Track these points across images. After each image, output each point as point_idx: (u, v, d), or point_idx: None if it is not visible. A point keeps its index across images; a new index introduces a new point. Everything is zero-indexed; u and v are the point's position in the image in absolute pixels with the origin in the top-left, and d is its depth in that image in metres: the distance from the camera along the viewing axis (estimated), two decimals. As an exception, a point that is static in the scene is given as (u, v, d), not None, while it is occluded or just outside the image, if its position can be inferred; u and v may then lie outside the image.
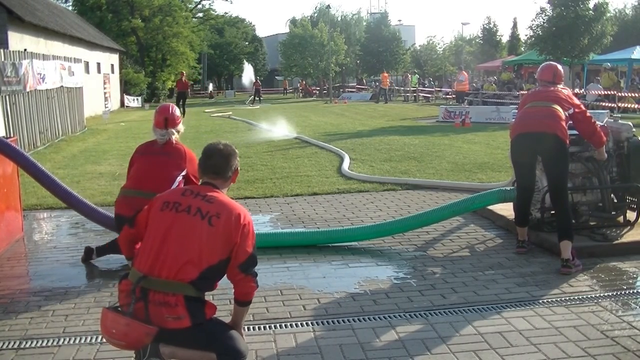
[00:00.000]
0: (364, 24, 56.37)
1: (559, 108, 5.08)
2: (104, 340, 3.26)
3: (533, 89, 6.14)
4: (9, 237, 6.00)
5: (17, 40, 19.91)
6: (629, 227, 5.71)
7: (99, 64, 32.32)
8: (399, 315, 4.09)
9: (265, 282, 4.70)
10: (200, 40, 56.78)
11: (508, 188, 6.16)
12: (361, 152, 12.13)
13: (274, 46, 61.49)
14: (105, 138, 17.05)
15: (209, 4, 74.89)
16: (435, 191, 8.27)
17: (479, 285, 4.65)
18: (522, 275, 4.83)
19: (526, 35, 30.65)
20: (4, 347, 3.73)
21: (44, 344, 3.76)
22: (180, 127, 5.17)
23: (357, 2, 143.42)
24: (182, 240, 2.87)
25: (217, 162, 3.09)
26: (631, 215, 5.77)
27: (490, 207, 6.49)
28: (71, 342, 3.78)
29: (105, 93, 31.72)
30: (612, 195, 5.87)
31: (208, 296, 3.38)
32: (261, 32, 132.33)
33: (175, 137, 5.06)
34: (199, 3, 61.00)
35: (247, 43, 68.82)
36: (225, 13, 67.18)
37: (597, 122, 5.43)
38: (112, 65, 36.58)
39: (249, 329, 3.86)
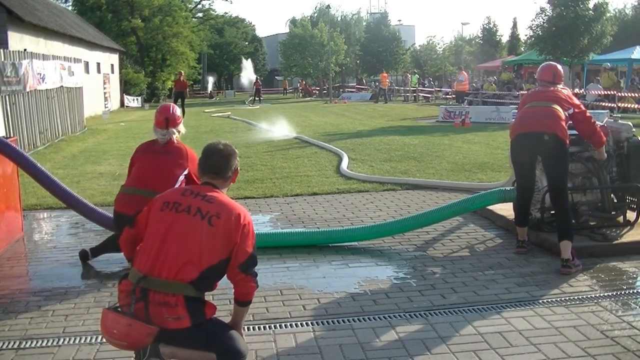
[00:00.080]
0: (364, 24, 56.37)
1: (558, 108, 5.08)
2: (104, 340, 3.26)
3: (533, 89, 6.13)
4: (9, 237, 6.00)
5: (17, 40, 19.91)
6: (629, 227, 5.71)
7: (98, 64, 32.32)
8: (399, 315, 4.09)
9: (265, 282, 4.70)
10: (200, 40, 56.78)
11: (508, 188, 6.16)
12: (361, 152, 12.13)
13: (273, 46, 61.49)
14: (105, 138, 17.05)
15: (209, 4, 75.03)
16: (435, 191, 8.27)
17: (478, 285, 4.65)
18: (522, 275, 4.83)
19: (526, 35, 30.70)
20: (4, 347, 3.73)
21: (43, 344, 3.76)
22: (181, 127, 5.17)
23: (357, 2, 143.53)
24: (182, 241, 2.87)
25: (217, 162, 3.09)
26: (631, 215, 5.77)
27: (490, 207, 6.49)
28: (71, 342, 3.78)
29: (105, 93, 31.71)
30: (612, 195, 5.87)
31: (208, 296, 3.38)
32: (261, 32, 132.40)
33: (176, 136, 5.06)
34: (199, 3, 61.06)
35: (247, 43, 68.81)
36: (225, 13, 67.31)
37: (597, 122, 5.43)
38: (112, 65, 36.58)
39: (249, 329, 3.86)
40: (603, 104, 20.83)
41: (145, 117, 25.04)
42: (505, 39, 55.23)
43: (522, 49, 46.30)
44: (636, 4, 45.33)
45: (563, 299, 4.33)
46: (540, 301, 4.29)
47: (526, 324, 3.90)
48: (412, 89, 38.63)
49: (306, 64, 47.86)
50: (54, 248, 5.97)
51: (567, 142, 5.02)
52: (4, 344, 3.77)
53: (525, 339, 3.68)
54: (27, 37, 20.99)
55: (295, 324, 3.99)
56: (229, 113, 26.53)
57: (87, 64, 28.09)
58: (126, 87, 39.24)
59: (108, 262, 5.38)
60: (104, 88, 31.69)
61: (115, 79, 36.61)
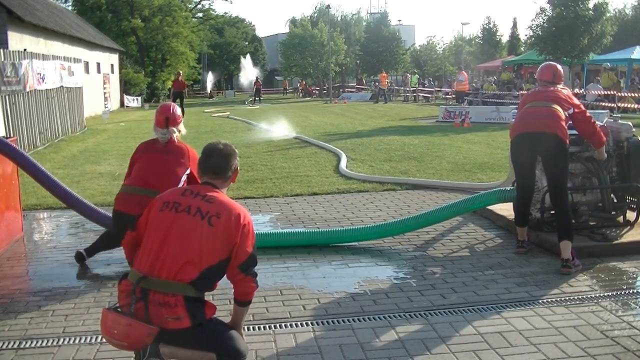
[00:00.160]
0: (364, 24, 56.36)
1: (558, 108, 5.09)
2: (104, 340, 3.26)
3: (533, 89, 6.14)
4: (9, 237, 6.00)
5: (17, 40, 19.91)
6: (628, 227, 5.71)
7: (98, 64, 32.32)
8: (399, 315, 4.09)
9: (265, 282, 4.70)
10: (200, 40, 56.75)
11: (508, 188, 6.16)
12: (361, 152, 12.14)
13: (273, 46, 61.45)
14: (105, 138, 17.05)
15: (209, 4, 75.05)
16: (435, 191, 8.27)
17: (478, 285, 4.65)
18: (522, 275, 4.83)
19: (526, 35, 30.73)
20: (4, 347, 3.73)
21: (43, 344, 3.76)
22: (181, 127, 5.16)
23: (357, 2, 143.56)
24: (182, 241, 2.87)
25: (217, 162, 3.08)
26: (631, 215, 5.77)
27: (490, 207, 6.49)
28: (71, 342, 3.78)
29: (105, 93, 31.71)
30: (612, 195, 5.87)
31: (208, 296, 3.38)
32: (261, 32, 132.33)
33: (176, 135, 5.05)
34: (199, 3, 61.05)
35: (247, 43, 68.80)
36: (225, 13, 67.29)
37: (597, 122, 5.43)
38: (112, 65, 36.58)
39: (248, 329, 3.86)
40: (603, 104, 20.84)
41: (145, 117, 25.04)
42: (505, 39, 55.29)
43: (522, 49, 46.31)
44: (636, 4, 45.37)
45: (563, 299, 4.33)
46: (540, 301, 4.29)
47: (526, 324, 3.90)
48: (412, 89, 38.63)
49: (306, 64, 47.85)
50: (54, 248, 5.97)
51: (567, 142, 5.02)
52: (4, 344, 3.77)
53: (525, 339, 3.68)
54: (27, 37, 20.99)
55: (295, 324, 3.99)
56: (228, 113, 26.53)
57: (87, 64, 28.09)
58: (126, 87, 39.23)
59: (108, 262, 5.39)
60: (104, 88, 31.69)
61: (115, 79, 36.61)
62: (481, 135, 15.24)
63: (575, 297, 4.35)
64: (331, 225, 6.45)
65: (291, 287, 4.70)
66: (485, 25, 54.24)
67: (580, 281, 4.69)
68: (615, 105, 20.67)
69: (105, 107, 29.44)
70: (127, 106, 36.07)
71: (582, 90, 23.74)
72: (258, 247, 3.12)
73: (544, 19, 26.63)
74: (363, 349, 3.60)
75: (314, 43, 47.08)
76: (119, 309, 2.86)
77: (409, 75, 41.94)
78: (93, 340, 3.78)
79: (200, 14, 62.15)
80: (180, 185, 4.67)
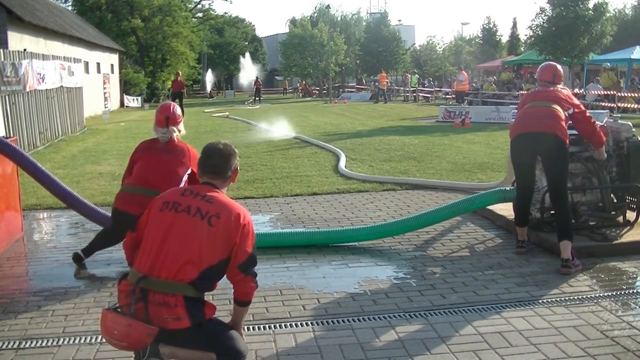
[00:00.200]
0: (364, 24, 56.35)
1: (558, 108, 5.09)
2: (104, 340, 3.26)
3: (533, 89, 6.14)
4: (9, 237, 6.00)
5: (17, 40, 19.91)
6: (628, 227, 5.71)
7: (98, 64, 32.32)
8: (399, 315, 4.09)
9: (265, 282, 4.69)
10: (200, 40, 56.73)
11: (508, 188, 6.16)
12: (361, 152, 12.14)
13: (273, 46, 61.45)
14: (105, 138, 17.05)
15: (209, 4, 75.05)
16: (435, 191, 8.27)
17: (478, 285, 4.65)
18: (522, 275, 4.83)
19: (526, 35, 30.73)
20: (4, 347, 3.73)
21: (43, 344, 3.76)
22: (182, 126, 5.16)
23: (356, 2, 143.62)
24: (182, 241, 2.87)
25: (217, 162, 3.08)
26: (631, 215, 5.77)
27: (490, 207, 6.49)
28: (71, 342, 3.78)
29: (105, 93, 31.71)
30: (611, 195, 5.87)
31: (208, 296, 3.38)
32: (261, 32, 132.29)
33: (176, 135, 5.05)
34: (199, 3, 61.06)
35: (247, 43, 68.80)
36: (225, 13, 67.29)
37: (597, 122, 5.43)
38: (112, 65, 36.58)
39: (248, 329, 3.86)
40: (603, 104, 20.84)
41: (145, 117, 25.04)
42: (505, 39, 55.29)
43: (522, 49, 46.31)
44: (636, 4, 45.37)
45: (563, 299, 4.33)
46: (540, 301, 4.29)
47: (526, 324, 3.90)
48: (412, 89, 38.63)
49: (306, 64, 47.85)
50: (54, 248, 5.97)
51: (567, 142, 5.02)
52: (3, 344, 3.77)
53: (525, 339, 3.68)
54: (27, 37, 20.98)
55: (295, 324, 3.99)
56: (227, 113, 26.51)
57: (87, 64, 28.09)
58: (126, 87, 39.23)
59: (108, 262, 5.39)
60: (104, 88, 31.68)
61: (115, 79, 36.60)
62: (481, 135, 15.24)
63: (575, 297, 4.35)
64: (331, 225, 6.45)
65: (291, 287, 4.70)
66: (485, 25, 54.27)
67: (580, 281, 4.69)
68: (615, 105, 20.68)
69: (105, 107, 29.43)
70: (127, 106, 36.07)
71: (582, 90, 23.74)
72: (258, 247, 3.12)
73: (543, 19, 26.63)
74: (363, 349, 3.60)
75: (313, 43, 47.08)
76: (118, 309, 2.86)
77: (409, 75, 41.95)
78: (93, 340, 3.78)
79: (200, 14, 62.15)
80: (182, 185, 4.67)
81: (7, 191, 6.03)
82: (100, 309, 3.27)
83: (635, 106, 21.42)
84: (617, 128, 5.90)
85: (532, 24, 27.29)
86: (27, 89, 13.75)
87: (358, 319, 4.04)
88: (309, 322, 4.01)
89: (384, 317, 4.07)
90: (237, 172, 3.19)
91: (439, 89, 39.20)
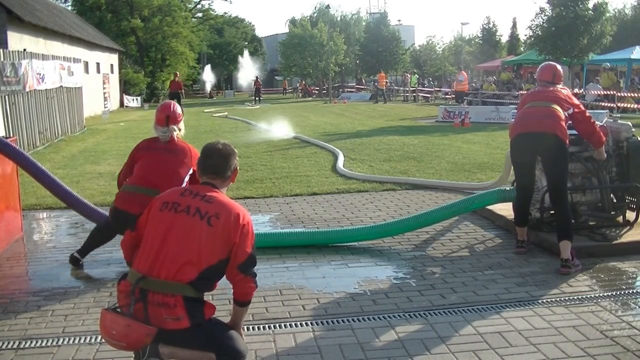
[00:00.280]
0: (364, 24, 56.32)
1: (558, 108, 5.09)
2: (104, 341, 3.26)
3: (532, 89, 6.13)
4: (9, 237, 5.99)
5: (17, 40, 19.90)
6: (628, 227, 5.71)
7: (98, 64, 32.31)
8: (399, 315, 4.09)
9: (265, 282, 4.69)
10: (200, 40, 56.73)
11: (508, 188, 6.16)
12: (361, 152, 12.14)
13: (273, 46, 61.41)
14: (105, 138, 17.05)
15: (209, 4, 75.10)
16: (434, 191, 8.27)
17: (478, 285, 4.65)
18: (522, 275, 4.83)
19: (525, 35, 30.71)
20: (4, 347, 3.73)
21: (43, 344, 3.76)
22: (182, 125, 5.15)
23: (356, 2, 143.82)
24: (182, 241, 2.87)
25: (217, 162, 3.08)
26: (630, 215, 5.77)
27: (490, 207, 6.49)
28: (70, 342, 3.78)
29: (104, 93, 31.71)
30: (611, 195, 5.87)
31: (207, 296, 3.38)
32: (261, 32, 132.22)
33: (176, 134, 5.04)
34: (199, 3, 61.08)
35: (246, 43, 68.80)
36: (225, 13, 67.34)
37: (597, 122, 5.43)
38: (112, 65, 36.58)
39: (248, 329, 3.86)
40: (602, 104, 20.85)
41: (144, 117, 25.04)
42: (504, 39, 55.26)
43: (522, 49, 46.30)
44: (636, 4, 45.35)
45: (562, 299, 4.33)
46: (540, 301, 4.29)
47: (526, 324, 3.90)
48: (411, 89, 38.63)
49: (306, 64, 47.84)
50: (54, 248, 5.97)
51: (567, 142, 5.02)
52: (3, 344, 3.77)
53: (524, 339, 3.68)
54: (27, 37, 20.98)
55: (295, 324, 3.99)
56: (226, 113, 26.50)
57: (86, 64, 28.08)
58: (126, 87, 39.23)
59: (108, 262, 5.38)
60: (104, 88, 31.68)
61: (114, 79, 36.60)
62: (481, 135, 15.24)
63: (575, 297, 4.35)
64: (331, 225, 6.45)
65: (291, 287, 4.70)
66: (484, 25, 54.23)
67: (579, 281, 4.69)
68: (614, 105, 20.68)
69: (105, 107, 29.43)
70: (126, 106, 36.07)
71: (582, 90, 23.74)
72: (257, 247, 3.12)
73: (543, 19, 26.62)
74: (363, 349, 3.60)
75: (313, 43, 47.07)
76: (118, 310, 2.86)
77: (409, 75, 41.94)
78: (93, 341, 3.77)
79: (199, 14, 62.17)
80: (183, 185, 4.67)
81: (7, 191, 6.03)
82: (99, 309, 3.27)
83: (635, 106, 21.42)
84: (617, 128, 5.90)
85: (532, 24, 27.30)
86: (27, 89, 13.75)
87: (358, 319, 4.04)
88: (309, 322, 4.01)
89: (383, 317, 4.07)
90: (237, 172, 3.19)
91: (438, 89, 39.19)
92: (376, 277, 4.89)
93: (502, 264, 5.15)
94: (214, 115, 26.51)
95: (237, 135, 16.39)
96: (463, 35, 57.59)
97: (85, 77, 23.08)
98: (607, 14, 26.98)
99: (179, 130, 5.09)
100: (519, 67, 34.31)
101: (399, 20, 64.29)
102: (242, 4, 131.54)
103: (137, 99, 37.93)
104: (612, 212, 5.79)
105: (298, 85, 54.02)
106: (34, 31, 21.71)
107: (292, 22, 57.36)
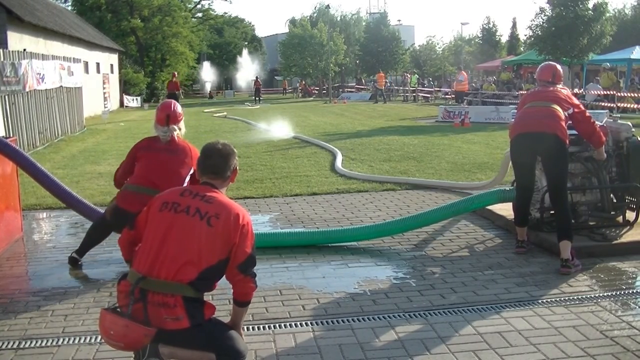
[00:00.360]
0: (363, 24, 56.32)
1: (558, 108, 5.09)
2: (103, 341, 3.26)
3: (532, 89, 6.13)
4: (8, 237, 5.99)
5: (17, 40, 19.89)
6: (628, 227, 5.71)
7: (98, 64, 32.31)
8: (399, 315, 4.09)
9: (265, 282, 4.69)
10: (200, 40, 56.69)
11: (507, 188, 6.16)
12: (360, 152, 12.14)
13: (273, 46, 61.41)
14: (105, 138, 17.05)
15: (209, 4, 75.03)
16: (434, 191, 8.27)
17: (478, 285, 4.65)
18: (522, 275, 4.83)
19: (525, 35, 30.72)
20: (4, 347, 3.73)
21: (43, 344, 3.76)
22: (182, 125, 5.15)
23: (356, 2, 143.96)
24: (181, 241, 2.87)
25: (216, 162, 3.08)
26: (630, 215, 5.77)
27: (490, 207, 6.49)
28: (70, 342, 3.78)
29: (104, 93, 31.71)
30: (611, 195, 5.87)
31: (207, 296, 3.38)
32: (261, 32, 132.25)
33: (177, 133, 5.04)
34: (199, 3, 61.06)
35: (246, 43, 68.79)
36: (225, 13, 67.35)
37: (597, 122, 5.43)
38: (112, 65, 36.57)
39: (248, 329, 3.86)
40: (602, 104, 20.85)
41: (144, 117, 25.04)
42: (504, 39, 55.28)
43: (522, 49, 46.31)
44: (635, 4, 45.36)
45: (562, 299, 4.33)
46: (540, 301, 4.29)
47: (525, 324, 3.90)
48: (411, 89, 38.62)
49: (305, 64, 47.84)
50: (54, 248, 5.97)
51: (567, 142, 5.02)
52: (3, 344, 3.77)
53: (524, 339, 3.68)
54: (27, 37, 20.97)
55: (295, 324, 3.99)
56: (225, 113, 26.49)
57: (86, 64, 28.08)
58: (125, 87, 39.23)
59: (108, 262, 5.38)
60: (104, 88, 31.69)
61: (114, 79, 36.60)
62: (481, 135, 15.24)
63: (575, 297, 4.35)
64: (330, 225, 6.45)
65: (291, 287, 4.70)
66: (484, 25, 54.27)
67: (579, 281, 4.69)
68: (614, 105, 20.68)
69: (105, 107, 29.44)
70: (126, 106, 36.07)
71: (582, 90, 23.74)
72: (257, 247, 3.12)
73: (543, 19, 26.61)
74: (362, 349, 3.60)
75: (313, 43, 47.06)
76: (117, 310, 2.86)
77: (409, 75, 41.94)
78: (92, 341, 3.77)
79: (199, 14, 62.16)
80: (185, 185, 4.66)
81: (7, 191, 6.03)
82: (99, 309, 3.27)
83: (635, 106, 21.42)
84: (617, 128, 5.90)
85: (532, 24, 27.29)
86: (27, 89, 13.75)
87: (358, 319, 4.04)
88: (309, 322, 4.01)
89: (383, 317, 4.07)
90: (237, 172, 3.19)
91: (438, 89, 39.18)
92: (376, 277, 4.89)
93: (502, 264, 5.15)
94: (215, 115, 26.50)
95: (237, 135, 16.39)
96: (463, 35, 57.63)
97: (85, 77, 23.08)
98: (607, 14, 26.97)
99: (180, 129, 5.08)
100: (518, 67, 34.31)
101: (399, 20, 64.33)
102: (242, 4, 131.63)
103: (137, 99, 37.93)
104: (612, 212, 5.79)
105: (298, 85, 54.01)
106: (34, 31, 21.71)
107: (292, 22, 57.36)
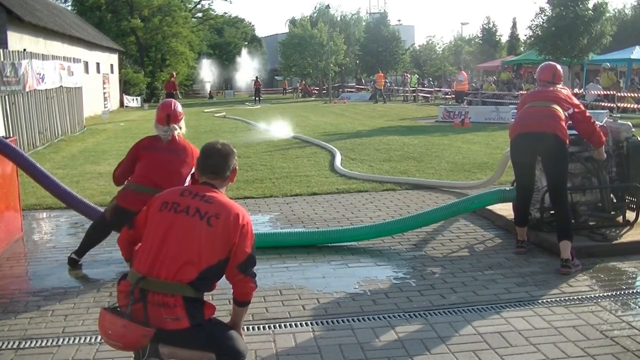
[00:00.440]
0: (364, 24, 56.31)
1: (558, 108, 5.09)
2: (103, 341, 3.26)
3: (532, 89, 6.13)
4: (8, 237, 5.99)
5: (17, 40, 19.90)
6: (628, 227, 5.71)
7: (98, 64, 32.31)
8: (399, 315, 4.09)
9: (265, 282, 4.69)
10: (200, 40, 56.69)
11: (507, 188, 6.16)
12: (360, 152, 12.14)
13: (273, 46, 61.39)
14: (105, 138, 17.05)
15: (209, 4, 75.03)
16: (434, 191, 8.27)
17: (478, 285, 4.65)
18: (522, 275, 4.83)
19: (525, 35, 30.73)
20: (4, 347, 3.73)
21: (43, 344, 3.76)
22: (182, 124, 5.14)
23: (356, 2, 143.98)
24: (181, 241, 2.86)
25: (216, 162, 3.07)
26: (630, 215, 5.77)
27: (490, 207, 6.49)
28: (70, 342, 3.78)
29: (104, 93, 31.71)
30: (611, 195, 5.87)
31: (207, 296, 3.38)
32: (261, 32, 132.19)
33: (177, 132, 5.04)
34: (199, 3, 61.07)
35: (246, 43, 68.79)
36: (225, 13, 67.37)
37: (597, 122, 5.43)
38: (112, 65, 36.58)
39: (248, 329, 3.86)
40: (602, 104, 20.85)
41: (144, 117, 25.04)
42: (504, 39, 55.29)
43: (522, 49, 46.31)
44: (635, 4, 45.35)
45: (562, 299, 4.33)
46: (540, 301, 4.29)
47: (525, 324, 3.90)
48: (411, 89, 38.62)
49: (305, 64, 47.83)
50: (54, 248, 5.97)
51: (567, 142, 5.02)
52: (3, 344, 3.77)
53: (524, 339, 3.68)
54: (27, 37, 20.97)
55: (295, 324, 3.99)
56: (224, 113, 26.48)
57: (86, 64, 28.08)
58: (125, 87, 39.24)
59: (108, 262, 5.38)
60: (104, 88, 31.69)
61: (114, 79, 36.60)
62: (480, 135, 15.24)
63: (575, 297, 4.35)
64: (330, 225, 6.45)
65: (291, 287, 4.70)
66: (484, 25, 54.28)
67: (579, 281, 4.69)
68: (614, 105, 20.68)
69: (105, 107, 29.44)
70: (126, 106, 36.08)
71: (582, 90, 23.74)
72: (257, 247, 3.12)
73: (543, 19, 26.62)
74: (362, 349, 3.60)
75: (313, 43, 47.05)
76: (117, 309, 2.86)
77: (409, 75, 41.94)
78: (92, 340, 3.77)
79: (199, 14, 62.17)
80: (186, 184, 4.66)
81: (7, 191, 6.03)
82: (99, 308, 3.27)
83: (635, 106, 21.42)
84: (617, 128, 5.90)
85: (532, 24, 27.29)
86: (27, 89, 13.75)
87: (358, 319, 4.04)
88: (309, 322, 4.01)
89: (383, 317, 4.07)
90: (236, 171, 3.19)
91: (438, 89, 39.19)
92: (376, 277, 4.89)
93: (502, 264, 5.15)
94: (215, 115, 26.50)
95: (236, 135, 16.39)
96: (463, 35, 57.63)
97: (85, 77, 23.08)
98: (607, 14, 26.97)
99: (180, 128, 5.08)
100: (518, 67, 34.31)
101: (399, 20, 64.33)
102: (242, 4, 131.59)
103: (137, 99, 37.93)
104: (612, 212, 5.79)
105: (298, 85, 54.00)
106: (34, 31, 21.71)
107: (292, 22, 57.34)
